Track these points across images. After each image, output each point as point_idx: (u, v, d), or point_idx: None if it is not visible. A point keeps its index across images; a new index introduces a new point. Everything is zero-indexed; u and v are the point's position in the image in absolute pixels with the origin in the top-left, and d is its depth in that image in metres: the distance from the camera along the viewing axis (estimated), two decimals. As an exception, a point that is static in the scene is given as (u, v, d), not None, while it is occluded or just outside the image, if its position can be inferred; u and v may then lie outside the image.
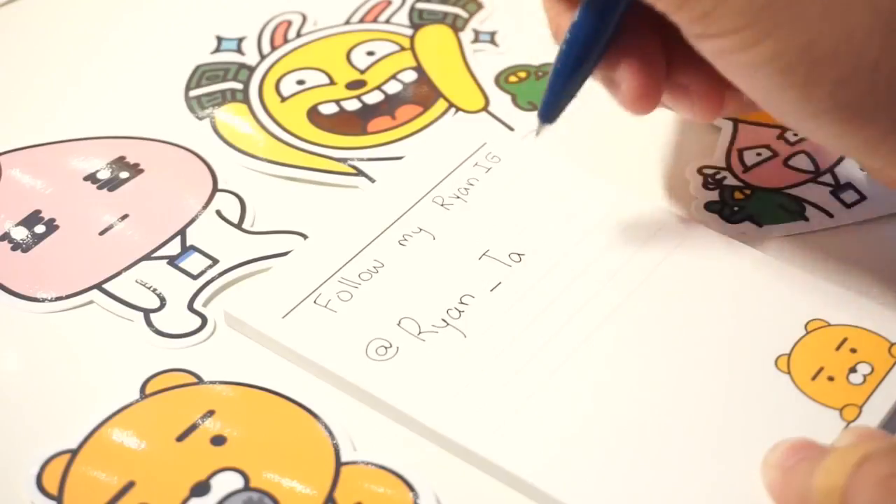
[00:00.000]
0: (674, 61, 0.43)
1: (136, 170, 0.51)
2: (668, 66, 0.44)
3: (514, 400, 0.42)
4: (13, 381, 0.45)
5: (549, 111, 0.44)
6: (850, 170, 0.50)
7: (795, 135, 0.51)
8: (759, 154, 0.51)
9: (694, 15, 0.38)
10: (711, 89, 0.43)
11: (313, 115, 0.54)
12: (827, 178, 0.50)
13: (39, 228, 0.49)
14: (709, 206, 0.49)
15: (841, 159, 0.50)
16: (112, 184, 0.51)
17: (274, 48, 0.57)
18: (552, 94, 0.44)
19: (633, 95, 0.43)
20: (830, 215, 0.48)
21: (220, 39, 0.58)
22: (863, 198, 0.49)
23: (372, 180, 0.51)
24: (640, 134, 0.52)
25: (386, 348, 0.44)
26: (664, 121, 0.52)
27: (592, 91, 0.44)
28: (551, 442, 0.41)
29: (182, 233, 0.49)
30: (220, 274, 0.48)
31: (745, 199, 0.49)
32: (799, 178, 0.50)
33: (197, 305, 0.46)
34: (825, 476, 0.37)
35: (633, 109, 0.44)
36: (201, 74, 0.56)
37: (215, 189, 0.51)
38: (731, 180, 0.50)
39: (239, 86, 0.55)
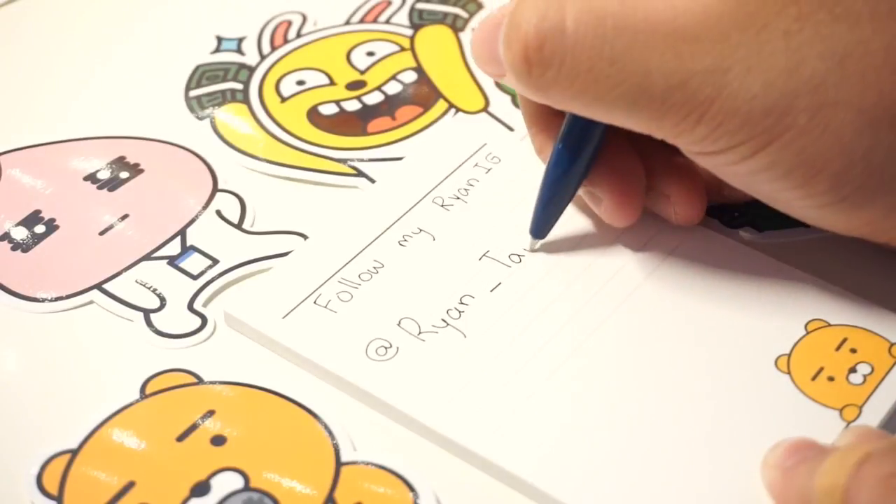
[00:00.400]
0: (654, 171, 0.46)
1: (136, 170, 0.51)
2: (649, 177, 0.46)
3: (513, 400, 0.42)
4: (13, 381, 0.45)
5: (539, 229, 0.47)
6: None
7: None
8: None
9: (691, 140, 0.41)
10: (692, 196, 0.46)
11: (313, 115, 0.54)
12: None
13: (39, 228, 0.49)
14: (709, 211, 0.49)
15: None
16: (112, 184, 0.51)
17: (274, 48, 0.57)
18: (540, 214, 0.46)
19: (612, 211, 0.46)
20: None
21: (220, 39, 0.58)
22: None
23: (372, 181, 0.51)
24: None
25: (386, 348, 0.44)
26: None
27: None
28: (551, 442, 0.41)
29: (182, 233, 0.49)
30: (220, 274, 0.48)
31: (745, 205, 0.49)
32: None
33: (197, 305, 0.46)
34: (826, 476, 0.37)
35: (613, 223, 0.46)
36: (201, 74, 0.56)
37: (215, 189, 0.51)
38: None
39: (239, 86, 0.55)
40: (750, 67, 0.39)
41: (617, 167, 0.45)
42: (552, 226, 0.47)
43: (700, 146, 0.41)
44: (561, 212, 0.46)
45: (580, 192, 0.46)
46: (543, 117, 0.46)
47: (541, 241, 0.47)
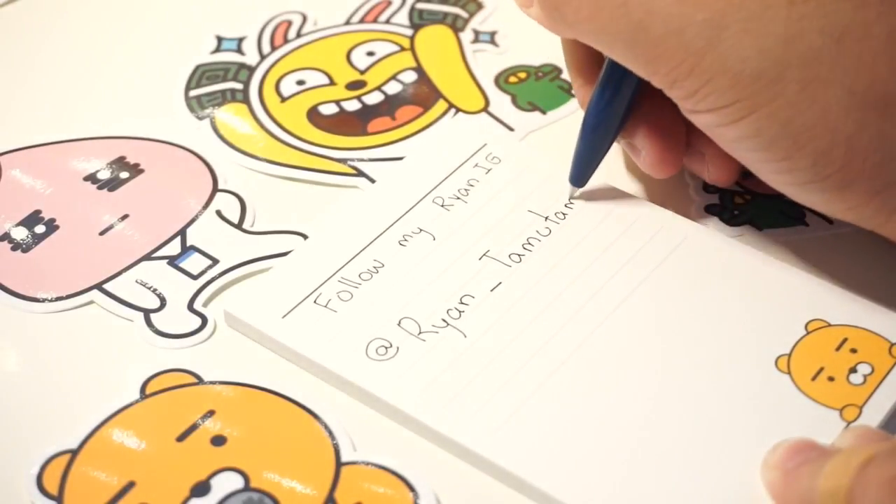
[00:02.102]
0: (693, 129, 0.46)
1: (136, 170, 0.51)
2: (687, 134, 0.47)
3: (514, 400, 0.42)
4: (13, 381, 0.45)
5: (579, 176, 0.48)
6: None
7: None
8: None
9: (683, 93, 0.42)
10: (726, 157, 0.45)
11: (313, 115, 0.54)
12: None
13: (39, 228, 0.49)
14: (709, 209, 0.49)
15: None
16: (112, 184, 0.51)
17: (274, 48, 0.57)
18: (579, 161, 0.48)
19: (651, 161, 0.47)
20: (830, 222, 0.48)
21: (220, 39, 0.58)
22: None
23: (372, 181, 0.51)
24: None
25: (386, 348, 0.44)
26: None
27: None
28: (551, 442, 0.41)
29: (182, 233, 0.49)
30: (221, 274, 0.48)
31: (745, 204, 0.49)
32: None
33: (197, 305, 0.46)
34: (829, 478, 0.37)
35: (653, 173, 0.47)
36: (201, 74, 0.56)
37: (215, 189, 0.51)
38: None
39: (239, 86, 0.55)
40: (747, 30, 0.40)
41: (657, 120, 0.46)
42: (591, 173, 0.48)
43: (691, 102, 0.42)
44: (600, 159, 0.47)
45: (621, 143, 0.48)
46: (587, 69, 0.48)
47: (580, 190, 0.48)
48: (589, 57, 0.47)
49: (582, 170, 0.48)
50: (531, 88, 0.55)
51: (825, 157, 0.41)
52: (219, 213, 0.50)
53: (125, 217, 0.49)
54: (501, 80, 0.55)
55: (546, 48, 0.56)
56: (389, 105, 0.54)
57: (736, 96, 0.41)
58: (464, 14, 0.59)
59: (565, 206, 0.48)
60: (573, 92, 0.51)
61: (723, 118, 0.41)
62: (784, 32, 0.40)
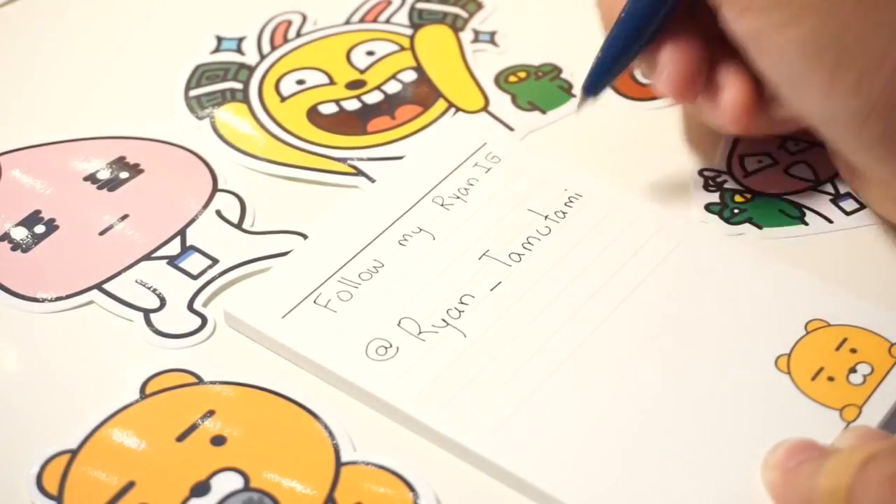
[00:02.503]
0: (713, 62, 0.45)
1: (136, 170, 0.51)
2: (707, 67, 0.46)
3: (514, 400, 0.42)
4: (13, 381, 0.45)
5: (596, 84, 0.47)
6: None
7: (797, 144, 0.51)
8: (759, 161, 0.51)
9: None
10: (743, 94, 0.45)
11: (313, 114, 0.54)
12: (827, 187, 0.50)
13: (39, 228, 0.49)
14: (709, 208, 0.49)
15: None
16: (112, 184, 0.51)
17: (274, 48, 0.57)
18: (601, 68, 0.46)
19: (671, 81, 0.45)
20: (830, 221, 0.48)
21: (220, 39, 0.58)
22: (862, 206, 0.49)
23: (372, 180, 0.51)
24: (641, 135, 0.52)
25: (386, 348, 0.44)
26: (665, 122, 0.52)
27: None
28: (551, 442, 0.41)
29: (182, 233, 0.49)
30: (220, 274, 0.48)
31: (745, 202, 0.49)
32: (799, 186, 0.50)
33: (197, 305, 0.46)
34: (829, 476, 0.37)
35: (672, 94, 0.46)
36: (201, 74, 0.56)
37: (215, 189, 0.51)
38: (731, 184, 0.50)
39: (239, 86, 0.55)
40: None
41: (683, 39, 0.45)
42: (608, 84, 0.47)
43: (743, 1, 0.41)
44: (620, 71, 0.47)
45: (642, 61, 0.47)
46: None
47: (591, 99, 0.47)
48: None
49: (600, 77, 0.47)
50: (531, 88, 0.55)
51: (869, 76, 0.39)
52: (219, 212, 0.50)
53: (125, 217, 0.50)
54: (501, 80, 0.55)
55: (546, 48, 0.56)
56: (389, 104, 0.54)
57: None
58: (464, 14, 0.59)
59: (564, 204, 0.48)
60: (595, 4, 0.48)
61: (771, 22, 0.40)
62: None
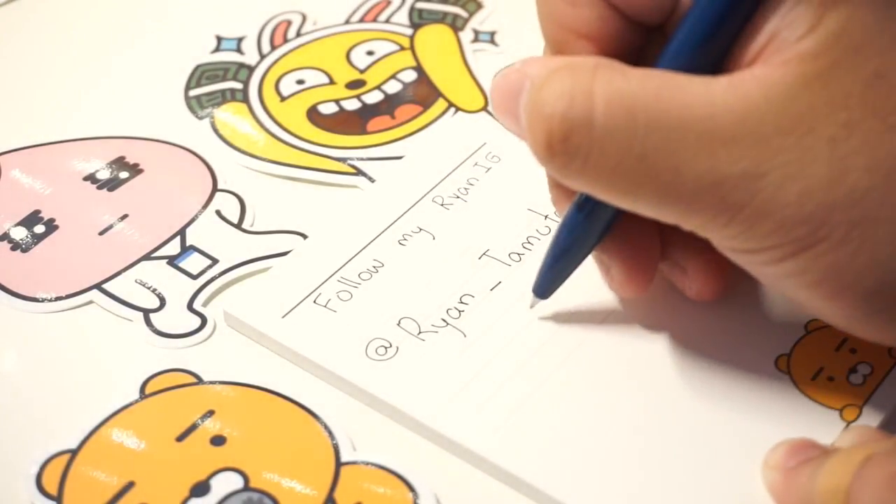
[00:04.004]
0: (672, 242, 0.43)
1: (136, 170, 0.51)
2: (667, 247, 0.43)
3: (514, 400, 0.42)
4: (13, 381, 0.45)
5: (545, 289, 0.44)
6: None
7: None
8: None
9: (718, 236, 0.38)
10: (710, 272, 0.43)
11: (313, 114, 0.54)
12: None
13: (39, 228, 0.49)
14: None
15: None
16: (112, 184, 0.51)
17: (274, 48, 0.57)
18: (546, 275, 0.44)
19: (620, 282, 0.43)
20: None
21: (219, 39, 0.58)
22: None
23: (372, 180, 0.51)
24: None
25: (386, 348, 0.44)
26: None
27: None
28: (551, 442, 0.41)
29: (182, 233, 0.49)
30: (220, 274, 0.48)
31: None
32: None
33: (197, 305, 0.46)
34: (829, 476, 0.37)
35: (620, 293, 0.44)
36: (201, 74, 0.56)
37: (215, 189, 0.51)
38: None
39: (239, 85, 0.55)
40: (788, 175, 0.36)
41: (631, 237, 0.43)
42: (556, 288, 0.44)
43: (730, 244, 0.39)
44: (568, 275, 0.43)
45: (593, 258, 0.44)
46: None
47: (542, 301, 0.44)
48: None
49: (549, 283, 0.44)
50: (531, 88, 0.55)
51: (874, 296, 0.38)
52: (218, 212, 0.50)
53: (125, 217, 0.50)
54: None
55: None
56: (389, 104, 0.54)
57: (779, 240, 0.37)
58: (463, 14, 0.59)
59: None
60: (549, 194, 0.44)
61: (765, 258, 0.38)
62: (827, 173, 0.36)
